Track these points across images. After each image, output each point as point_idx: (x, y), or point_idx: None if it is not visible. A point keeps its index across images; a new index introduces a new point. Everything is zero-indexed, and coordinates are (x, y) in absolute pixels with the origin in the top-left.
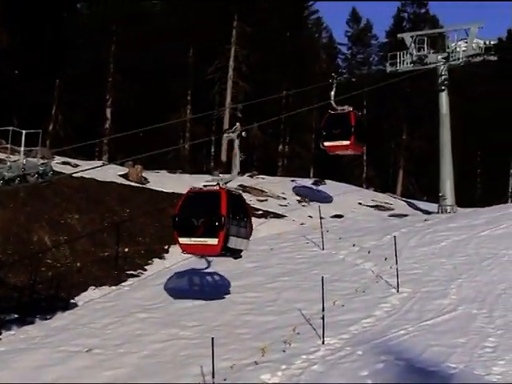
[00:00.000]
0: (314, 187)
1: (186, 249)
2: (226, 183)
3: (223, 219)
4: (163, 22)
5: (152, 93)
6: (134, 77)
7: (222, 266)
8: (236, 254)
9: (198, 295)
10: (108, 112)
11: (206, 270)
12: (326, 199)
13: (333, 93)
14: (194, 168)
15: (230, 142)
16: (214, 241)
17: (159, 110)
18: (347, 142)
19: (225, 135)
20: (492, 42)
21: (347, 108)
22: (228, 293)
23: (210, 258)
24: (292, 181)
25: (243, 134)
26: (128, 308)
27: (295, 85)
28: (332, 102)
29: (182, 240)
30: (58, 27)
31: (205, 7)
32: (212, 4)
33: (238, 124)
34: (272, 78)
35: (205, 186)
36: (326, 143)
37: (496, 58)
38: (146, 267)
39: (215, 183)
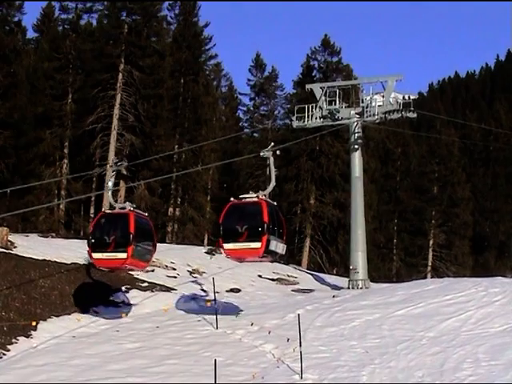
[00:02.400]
0: (209, 257)
1: (230, 254)
2: (264, 195)
3: (265, 225)
4: (38, 61)
5: (22, 143)
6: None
7: (96, 348)
8: (275, 256)
9: None
10: None
11: (77, 352)
12: (222, 270)
13: (111, 183)
14: (69, 231)
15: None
16: (257, 244)
17: (30, 163)
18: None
19: (261, 153)
20: (412, 97)
21: (257, 196)
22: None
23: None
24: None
25: (277, 152)
26: None
27: (189, 139)
28: (109, 197)
29: (227, 246)
30: None
31: (88, 46)
32: (96, 43)
33: (272, 143)
34: (162, 130)
35: (244, 197)
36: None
37: (415, 115)
38: (8, 347)
39: (254, 195)
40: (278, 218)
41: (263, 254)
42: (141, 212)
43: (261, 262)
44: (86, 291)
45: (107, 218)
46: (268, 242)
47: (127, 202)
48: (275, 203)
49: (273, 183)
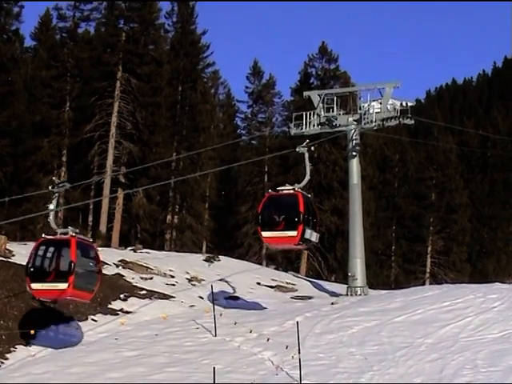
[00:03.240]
0: (207, 264)
1: (268, 241)
2: (300, 188)
3: (302, 215)
4: (35, 69)
5: (20, 151)
6: None
7: (95, 356)
8: (309, 244)
9: None
10: None
11: (76, 360)
12: (220, 278)
13: (52, 206)
14: None
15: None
16: (293, 233)
17: (28, 171)
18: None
19: (297, 149)
20: (409, 104)
21: (293, 188)
22: None
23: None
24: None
25: (312, 148)
26: None
27: (187, 147)
28: (51, 221)
29: (265, 234)
30: None
31: (85, 54)
32: (94, 51)
33: (307, 140)
34: (160, 138)
35: (281, 189)
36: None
37: (413, 122)
38: (7, 355)
39: (291, 187)
40: (312, 209)
41: (299, 241)
42: (85, 237)
43: (295, 249)
44: None
45: (47, 244)
46: (303, 230)
47: (69, 227)
48: (309, 195)
49: (308, 177)
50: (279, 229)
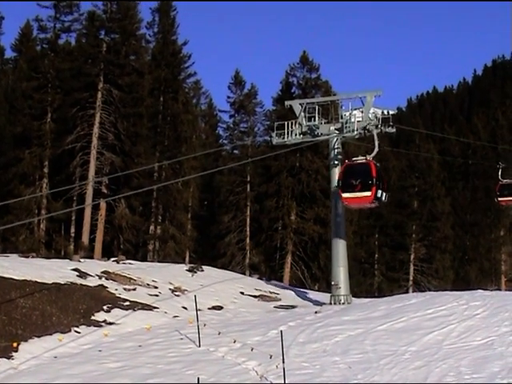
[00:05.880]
0: (190, 274)
1: (347, 201)
2: (371, 157)
3: (374, 179)
4: (16, 80)
5: (1, 163)
6: None
7: (79, 368)
8: (380, 202)
9: None
10: None
11: (59, 373)
12: (204, 288)
13: None
14: (50, 251)
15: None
16: (368, 193)
17: (9, 183)
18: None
19: (369, 128)
20: (391, 112)
21: (365, 158)
22: None
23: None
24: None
25: (382, 128)
26: None
27: (169, 157)
28: None
29: (345, 195)
30: None
31: (66, 65)
32: (75, 62)
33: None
34: (142, 148)
35: (356, 159)
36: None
37: (394, 130)
38: None
39: (363, 158)
40: (381, 174)
41: (372, 200)
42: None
43: (368, 207)
44: (67, 311)
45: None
46: (376, 191)
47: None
48: (378, 164)
49: (376, 149)
50: (356, 190)
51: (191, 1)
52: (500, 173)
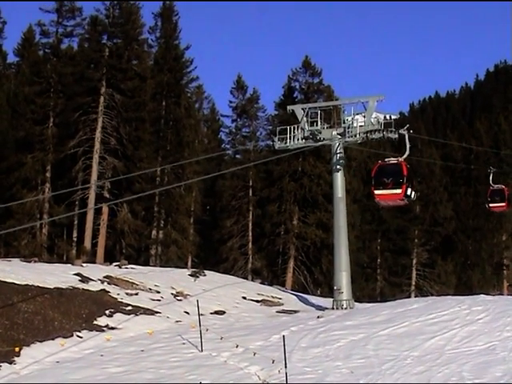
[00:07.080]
0: (193, 279)
1: (379, 197)
2: (403, 159)
3: (405, 178)
4: (18, 85)
5: (4, 167)
6: None
7: (81, 373)
8: (410, 200)
9: None
10: None
11: (61, 377)
12: (206, 293)
13: None
14: (52, 256)
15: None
16: (398, 190)
17: (11, 188)
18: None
19: (400, 131)
20: (393, 117)
21: (397, 159)
22: None
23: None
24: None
25: (411, 131)
26: None
27: (172, 161)
28: None
29: (377, 192)
30: None
31: (69, 70)
32: (77, 67)
33: (407, 125)
34: (145, 153)
35: (389, 160)
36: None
37: (397, 135)
38: None
39: (395, 159)
40: (411, 174)
41: (403, 197)
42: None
43: (399, 204)
44: (70, 316)
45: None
46: (406, 188)
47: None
48: (409, 166)
49: (407, 151)
50: (388, 187)
51: (194, 1)
52: (491, 178)
